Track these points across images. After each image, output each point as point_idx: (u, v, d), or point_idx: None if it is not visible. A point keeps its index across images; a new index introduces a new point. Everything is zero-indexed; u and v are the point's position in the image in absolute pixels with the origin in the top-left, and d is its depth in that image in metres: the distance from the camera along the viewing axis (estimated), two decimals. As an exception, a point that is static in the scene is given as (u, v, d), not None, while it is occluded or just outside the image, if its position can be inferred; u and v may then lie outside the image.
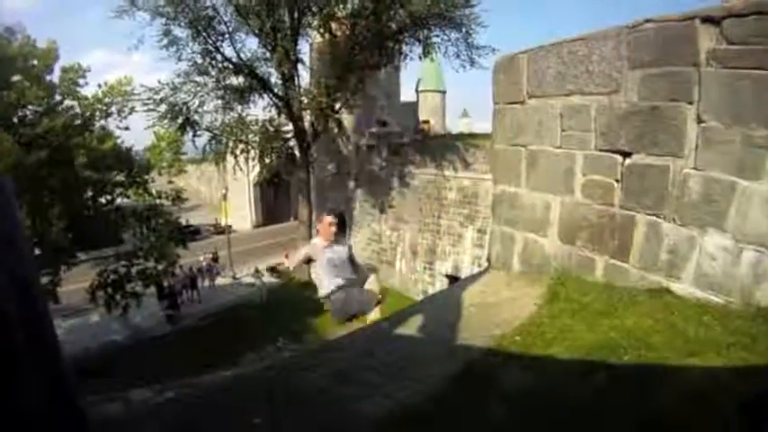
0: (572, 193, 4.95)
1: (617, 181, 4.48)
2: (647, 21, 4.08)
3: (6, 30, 17.84)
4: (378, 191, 30.39)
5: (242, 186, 43.90)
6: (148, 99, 24.53)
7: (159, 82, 25.22)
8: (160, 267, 19.83)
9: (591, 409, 2.70)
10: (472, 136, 29.01)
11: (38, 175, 16.44)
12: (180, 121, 26.23)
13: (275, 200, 49.93)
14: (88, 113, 19.76)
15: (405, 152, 28.98)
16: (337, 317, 5.06)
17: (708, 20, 3.64)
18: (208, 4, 24.47)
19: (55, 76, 19.24)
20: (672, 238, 4.03)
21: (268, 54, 26.36)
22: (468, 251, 24.45)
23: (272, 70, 27.18)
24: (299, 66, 27.61)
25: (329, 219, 5.20)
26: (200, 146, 29.55)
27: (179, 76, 25.79)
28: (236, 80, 27.32)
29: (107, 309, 19.07)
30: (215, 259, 31.05)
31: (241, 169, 29.95)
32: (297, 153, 30.50)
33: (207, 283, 28.62)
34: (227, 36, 25.70)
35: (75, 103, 19.78)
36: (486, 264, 6.64)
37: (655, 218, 4.16)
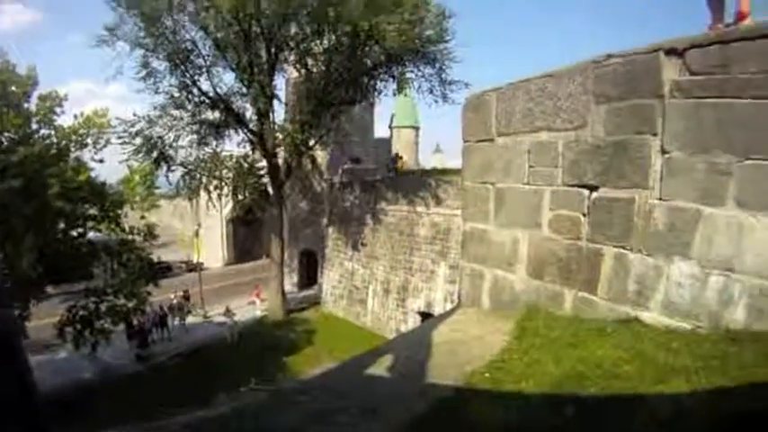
0: (540, 229, 4.96)
1: (584, 215, 4.50)
2: (611, 56, 4.19)
3: None
4: (350, 228, 30.43)
5: (215, 223, 43.65)
6: (124, 132, 24.46)
7: (135, 114, 25.23)
8: (130, 305, 19.37)
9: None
10: (445, 172, 29.38)
11: (12, 203, 16.04)
12: (154, 155, 26.19)
13: (248, 237, 49.66)
14: (64, 143, 19.46)
15: (377, 189, 29.18)
16: None
17: (671, 52, 3.74)
18: (187, 37, 24.76)
19: (32, 104, 18.99)
20: (639, 269, 4.04)
21: (244, 89, 26.59)
22: (440, 287, 24.42)
23: (248, 105, 27.44)
24: (275, 101, 27.91)
25: None
26: (173, 181, 29.48)
27: (155, 108, 25.91)
28: (212, 115, 27.53)
29: (75, 346, 18.56)
30: (186, 297, 30.48)
31: (214, 206, 29.85)
32: (270, 190, 30.50)
33: (177, 321, 28.07)
34: (204, 70, 25.95)
35: (51, 132, 19.49)
36: (457, 301, 6.60)
37: (621, 249, 4.17)
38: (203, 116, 27.37)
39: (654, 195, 3.90)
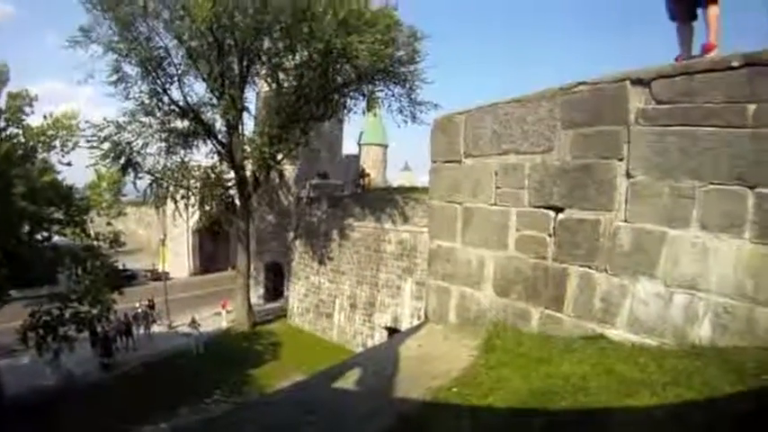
0: (506, 248, 5.04)
1: (550, 235, 4.60)
2: (580, 83, 4.33)
3: None
4: (317, 242, 30.29)
5: (181, 233, 43.02)
6: (92, 136, 24.01)
7: (105, 119, 24.84)
8: (94, 312, 18.99)
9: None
10: (412, 189, 29.65)
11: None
12: (122, 161, 25.79)
13: (214, 248, 49.08)
14: (31, 144, 18.92)
15: (345, 205, 29.16)
16: None
17: (638, 82, 3.90)
18: (161, 44, 24.56)
19: (1, 101, 18.55)
20: (604, 287, 4.15)
21: (215, 100, 26.44)
22: (407, 303, 24.46)
23: (218, 116, 27.26)
24: (245, 114, 27.83)
25: None
26: (140, 188, 29.08)
27: (125, 114, 25.54)
28: (181, 124, 27.31)
29: (38, 351, 18.23)
30: (151, 306, 29.92)
31: (181, 215, 29.40)
32: (237, 202, 30.21)
33: (142, 330, 27.49)
34: (175, 78, 25.77)
35: (19, 131, 18.93)
36: (424, 317, 6.62)
37: (587, 269, 4.28)
38: (172, 125, 27.11)
39: (619, 217, 4.03)
